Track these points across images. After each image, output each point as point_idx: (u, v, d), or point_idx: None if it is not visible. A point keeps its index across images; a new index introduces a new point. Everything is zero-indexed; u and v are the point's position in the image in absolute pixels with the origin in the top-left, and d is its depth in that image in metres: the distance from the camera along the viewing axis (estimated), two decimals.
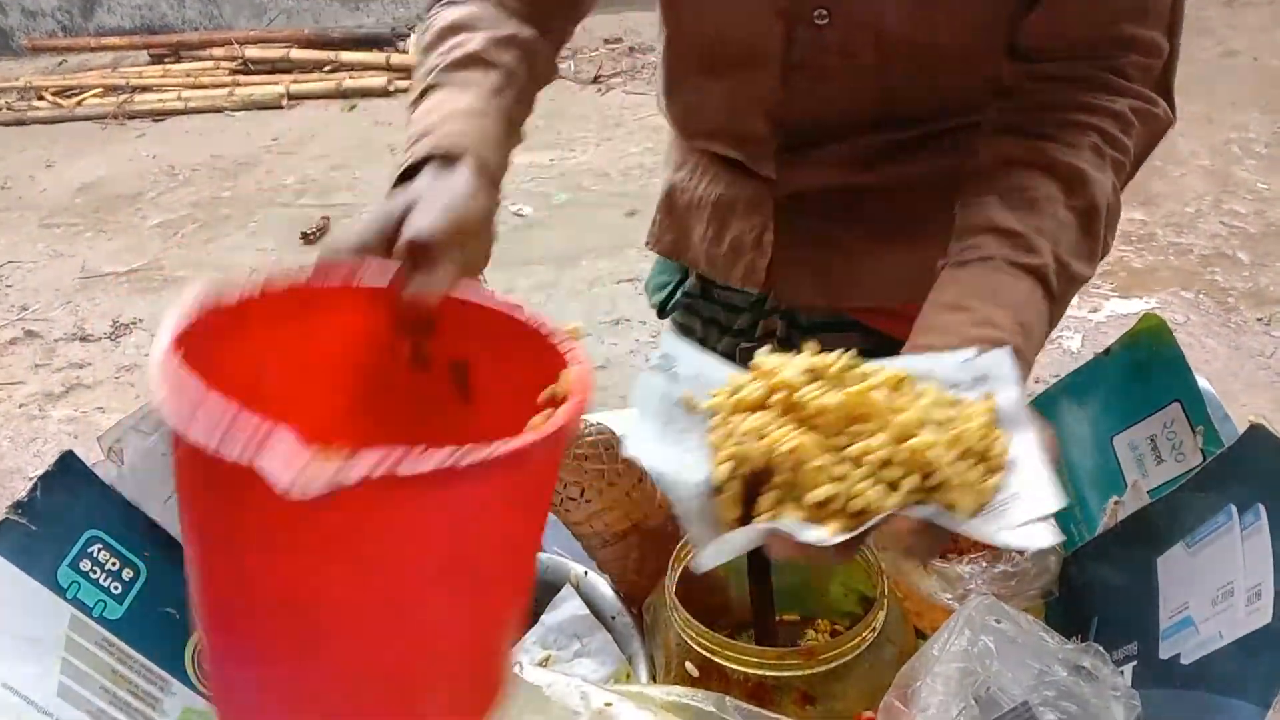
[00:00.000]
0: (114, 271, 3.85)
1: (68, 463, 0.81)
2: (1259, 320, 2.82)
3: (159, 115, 5.33)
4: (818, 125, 0.94)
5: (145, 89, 5.54)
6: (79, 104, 5.55)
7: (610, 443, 0.82)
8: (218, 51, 5.79)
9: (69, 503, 0.80)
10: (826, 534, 0.51)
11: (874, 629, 0.70)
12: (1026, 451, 0.57)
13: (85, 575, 0.79)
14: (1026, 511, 0.53)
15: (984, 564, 0.76)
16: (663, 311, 1.16)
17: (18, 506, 0.76)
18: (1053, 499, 0.53)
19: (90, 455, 0.83)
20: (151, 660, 0.80)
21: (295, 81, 5.44)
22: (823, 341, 0.98)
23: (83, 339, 3.42)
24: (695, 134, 1.05)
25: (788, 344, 1.04)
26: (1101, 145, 0.78)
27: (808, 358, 0.60)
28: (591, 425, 0.83)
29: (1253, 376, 2.61)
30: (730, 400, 0.59)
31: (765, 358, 0.62)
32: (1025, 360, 0.68)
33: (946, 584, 0.76)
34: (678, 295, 1.13)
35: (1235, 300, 2.92)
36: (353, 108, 5.23)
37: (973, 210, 0.78)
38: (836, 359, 0.60)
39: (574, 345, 0.52)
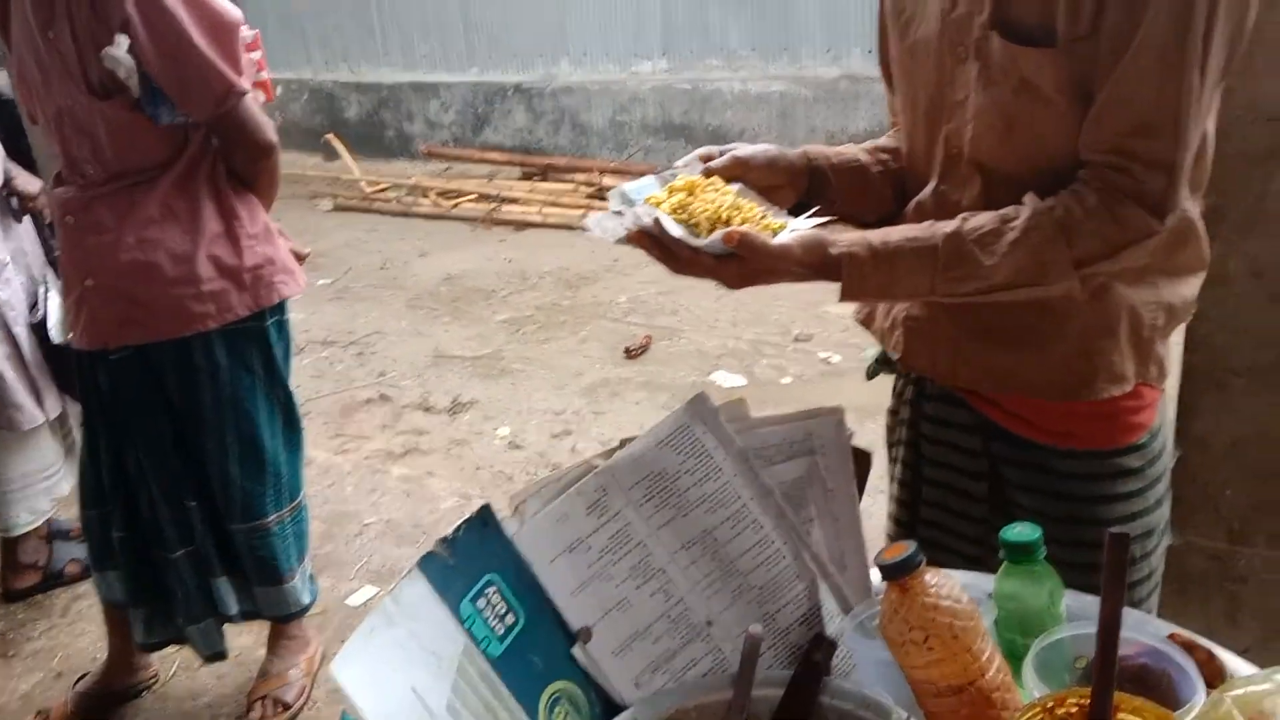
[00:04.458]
0: (461, 355, 4.30)
1: (485, 514, 0.95)
2: None
3: (520, 225, 5.96)
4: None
5: (513, 200, 6.23)
6: (455, 206, 6.31)
7: (959, 598, 0.85)
8: (579, 176, 6.41)
9: (479, 546, 0.93)
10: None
11: None
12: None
13: (479, 612, 0.91)
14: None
15: None
16: (869, 376, 1.40)
17: (444, 541, 0.90)
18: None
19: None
20: (517, 699, 0.90)
21: None
22: (936, 410, 1.31)
23: (426, 409, 3.83)
24: None
25: (915, 407, 1.31)
26: (1056, 207, 1.02)
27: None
28: (940, 574, 0.86)
29: None
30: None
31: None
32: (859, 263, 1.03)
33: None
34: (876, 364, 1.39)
35: None
36: None
37: None
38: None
39: None
